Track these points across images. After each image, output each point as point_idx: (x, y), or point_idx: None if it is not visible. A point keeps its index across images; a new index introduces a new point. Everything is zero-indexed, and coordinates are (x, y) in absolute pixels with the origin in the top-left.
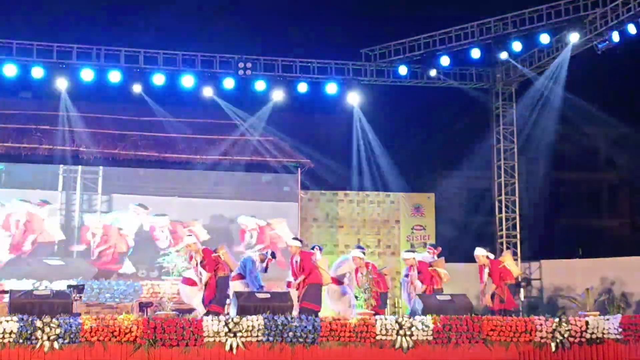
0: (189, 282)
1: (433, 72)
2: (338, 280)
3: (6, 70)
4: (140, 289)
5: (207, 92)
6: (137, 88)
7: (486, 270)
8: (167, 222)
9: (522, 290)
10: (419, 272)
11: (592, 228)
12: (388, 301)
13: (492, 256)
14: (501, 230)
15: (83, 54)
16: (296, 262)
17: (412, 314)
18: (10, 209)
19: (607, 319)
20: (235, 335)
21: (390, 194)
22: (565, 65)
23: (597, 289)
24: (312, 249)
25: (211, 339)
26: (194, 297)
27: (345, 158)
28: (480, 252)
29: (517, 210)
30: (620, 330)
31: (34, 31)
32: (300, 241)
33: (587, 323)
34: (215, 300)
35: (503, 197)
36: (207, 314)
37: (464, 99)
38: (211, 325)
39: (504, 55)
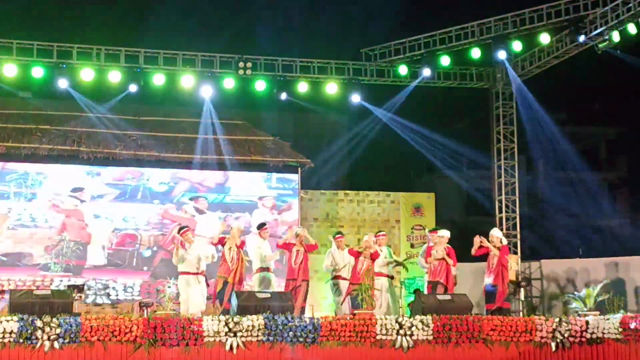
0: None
1: (430, 72)
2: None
3: (6, 70)
4: (139, 289)
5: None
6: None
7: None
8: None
9: (522, 290)
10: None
11: (592, 228)
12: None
13: (505, 241)
14: (501, 230)
15: (83, 54)
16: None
17: None
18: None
19: (607, 319)
20: (235, 335)
21: (390, 194)
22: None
23: (597, 288)
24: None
25: (211, 339)
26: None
27: (345, 158)
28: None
29: (517, 210)
30: (620, 330)
31: (34, 31)
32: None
33: (587, 323)
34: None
35: (503, 197)
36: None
37: (464, 99)
38: (211, 325)
39: (502, 55)
